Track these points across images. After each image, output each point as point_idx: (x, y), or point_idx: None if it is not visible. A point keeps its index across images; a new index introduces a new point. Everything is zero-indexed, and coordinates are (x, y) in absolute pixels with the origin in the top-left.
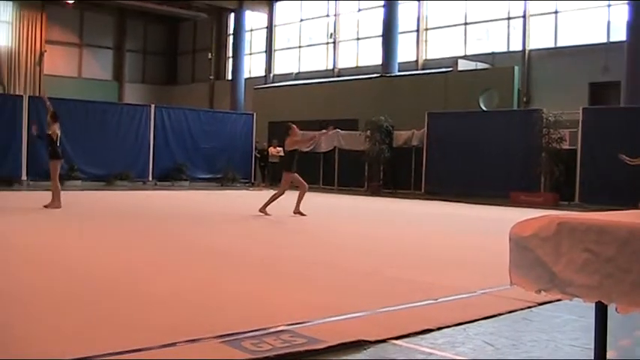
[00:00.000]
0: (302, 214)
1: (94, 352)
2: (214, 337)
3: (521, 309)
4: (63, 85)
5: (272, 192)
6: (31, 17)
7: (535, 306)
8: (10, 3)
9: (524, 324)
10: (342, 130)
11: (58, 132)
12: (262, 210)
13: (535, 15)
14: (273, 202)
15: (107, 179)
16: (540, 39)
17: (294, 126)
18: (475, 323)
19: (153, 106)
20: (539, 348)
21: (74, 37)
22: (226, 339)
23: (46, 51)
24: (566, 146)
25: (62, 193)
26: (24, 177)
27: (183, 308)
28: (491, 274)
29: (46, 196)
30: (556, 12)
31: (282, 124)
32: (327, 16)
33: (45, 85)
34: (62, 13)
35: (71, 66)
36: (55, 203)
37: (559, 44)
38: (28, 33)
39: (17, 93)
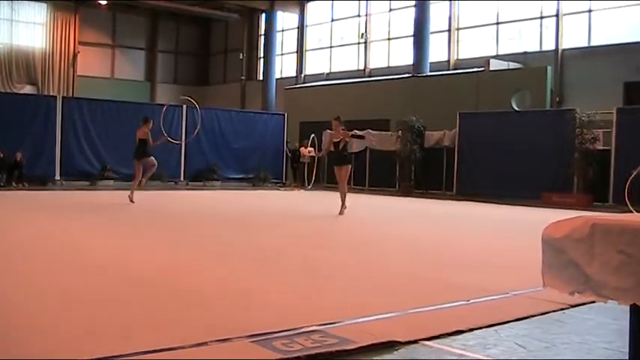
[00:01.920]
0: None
1: (126, 350)
2: (245, 337)
3: (554, 311)
4: (96, 86)
5: (303, 192)
6: (64, 19)
7: (568, 308)
8: (45, 5)
9: (557, 326)
10: (373, 130)
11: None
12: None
13: (568, 14)
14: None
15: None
16: (573, 38)
17: (334, 120)
18: (507, 325)
19: (185, 106)
20: (571, 350)
21: (107, 38)
22: (257, 339)
23: (79, 52)
24: (599, 147)
25: (98, 193)
26: (57, 177)
27: (214, 307)
28: (523, 276)
29: (79, 195)
30: (589, 11)
31: (313, 124)
32: (359, 16)
33: (78, 86)
34: (95, 14)
35: (104, 67)
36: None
37: (593, 43)
38: (62, 34)
39: (51, 94)
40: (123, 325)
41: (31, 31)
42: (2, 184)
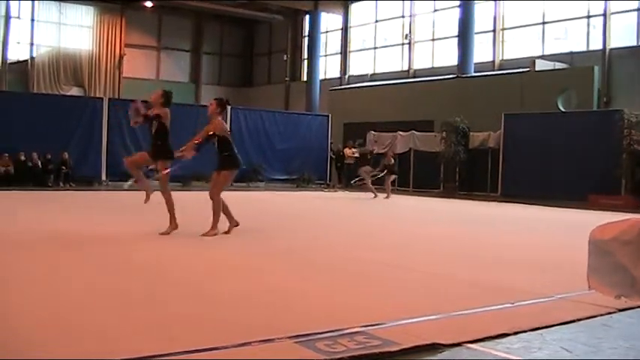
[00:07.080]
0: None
1: (170, 349)
2: (288, 338)
3: (601, 315)
4: (141, 88)
5: (347, 193)
6: (111, 22)
7: (615, 312)
8: (92, 8)
9: (603, 330)
10: (417, 131)
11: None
12: None
13: (616, 13)
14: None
15: (183, 180)
16: (622, 37)
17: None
18: (552, 328)
19: (229, 107)
20: (618, 355)
21: (152, 41)
22: (300, 339)
23: (125, 54)
24: None
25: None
26: (104, 177)
27: (258, 308)
28: (569, 279)
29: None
30: (638, 9)
31: (357, 125)
32: (402, 16)
33: (124, 88)
34: (141, 17)
35: (149, 69)
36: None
37: None
38: (108, 37)
39: (97, 95)
40: (166, 325)
41: (78, 34)
42: (50, 184)
